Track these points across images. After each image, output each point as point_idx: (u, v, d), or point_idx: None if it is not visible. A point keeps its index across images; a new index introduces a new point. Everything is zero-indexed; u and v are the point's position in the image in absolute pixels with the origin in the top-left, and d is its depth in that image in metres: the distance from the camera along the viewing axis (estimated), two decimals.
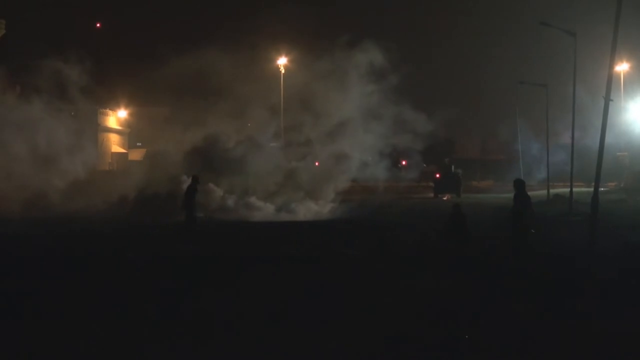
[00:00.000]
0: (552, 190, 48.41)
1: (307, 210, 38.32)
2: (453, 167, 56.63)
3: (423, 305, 13.49)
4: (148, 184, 38.57)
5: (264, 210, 37.82)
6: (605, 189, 49.13)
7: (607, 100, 21.90)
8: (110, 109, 70.46)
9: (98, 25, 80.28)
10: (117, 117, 73.70)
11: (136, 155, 68.29)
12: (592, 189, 22.07)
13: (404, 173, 49.72)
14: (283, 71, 56.59)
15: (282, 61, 57.91)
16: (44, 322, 12.34)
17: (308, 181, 40.04)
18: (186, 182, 33.30)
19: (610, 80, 22.00)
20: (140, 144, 72.51)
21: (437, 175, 55.61)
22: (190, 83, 42.62)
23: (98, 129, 65.90)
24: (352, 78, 40.18)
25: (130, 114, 72.61)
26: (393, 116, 39.83)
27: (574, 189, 37.26)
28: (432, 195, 54.91)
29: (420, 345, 10.79)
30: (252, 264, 19.18)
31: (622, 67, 68.34)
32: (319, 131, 40.64)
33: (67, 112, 45.39)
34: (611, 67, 22.17)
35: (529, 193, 21.02)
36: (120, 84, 58.14)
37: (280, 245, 23.24)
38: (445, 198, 51.81)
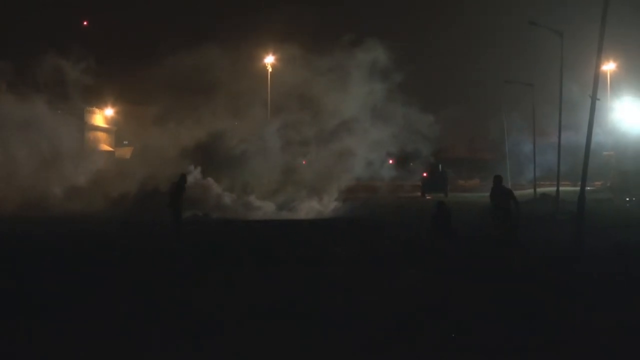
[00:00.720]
0: (539, 189, 48.64)
1: (310, 208, 38.18)
2: (440, 166, 56.60)
3: (411, 304, 13.46)
4: (145, 181, 38.42)
5: (263, 209, 37.65)
6: (591, 188, 49.28)
7: (594, 99, 21.97)
8: (97, 107, 70.22)
9: (85, 23, 79.81)
10: (104, 115, 73.44)
11: (123, 153, 67.99)
12: (578, 188, 22.15)
13: (388, 171, 49.76)
14: (270, 69, 56.63)
15: (269, 59, 58.06)
16: (40, 322, 12.28)
17: (311, 179, 40.02)
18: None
19: (597, 79, 22.05)
20: (127, 142, 72.22)
21: (424, 174, 55.60)
22: (185, 81, 42.56)
23: (85, 127, 65.62)
24: (353, 76, 40.29)
25: (117, 112, 72.35)
26: (396, 115, 40.01)
27: (561, 188, 37.40)
28: (419, 194, 55.02)
29: (410, 344, 10.77)
30: (243, 262, 19.13)
31: (609, 67, 68.64)
32: (321, 129, 40.70)
33: (55, 110, 45.12)
34: (597, 66, 22.22)
35: (518, 192, 21.09)
36: (109, 82, 57.91)
37: (274, 244, 23.19)
38: (428, 197, 51.84)
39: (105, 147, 74.01)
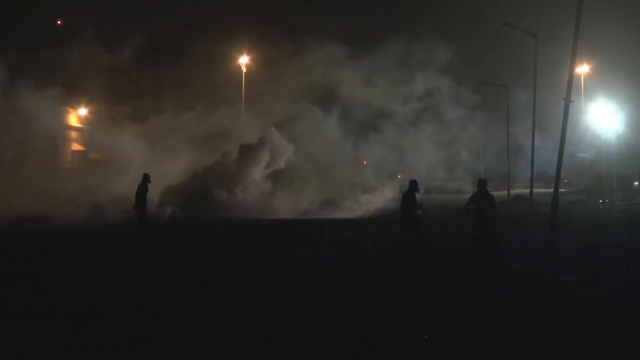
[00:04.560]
0: (512, 191, 48.87)
1: (361, 205, 37.86)
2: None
3: (387, 307, 13.39)
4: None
5: (288, 208, 37.49)
6: (565, 189, 49.62)
7: (568, 101, 22.08)
8: (70, 107, 69.69)
9: (59, 22, 79.19)
10: (77, 115, 72.91)
11: (97, 153, 67.45)
12: (552, 190, 22.23)
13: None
14: (245, 70, 56.58)
15: (243, 60, 58.11)
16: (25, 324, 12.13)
17: (364, 177, 40.16)
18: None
19: (571, 81, 22.17)
20: None
21: (399, 177, 55.39)
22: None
23: (60, 127, 65.07)
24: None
25: (90, 112, 71.89)
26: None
27: (534, 190, 37.61)
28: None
29: (389, 346, 10.70)
30: (235, 263, 19.16)
31: (583, 69, 69.03)
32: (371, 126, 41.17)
33: (29, 109, 44.62)
34: (572, 68, 22.32)
35: (493, 194, 20.85)
36: (86, 81, 57.42)
37: (269, 244, 23.44)
38: None
39: (78, 147, 73.55)
